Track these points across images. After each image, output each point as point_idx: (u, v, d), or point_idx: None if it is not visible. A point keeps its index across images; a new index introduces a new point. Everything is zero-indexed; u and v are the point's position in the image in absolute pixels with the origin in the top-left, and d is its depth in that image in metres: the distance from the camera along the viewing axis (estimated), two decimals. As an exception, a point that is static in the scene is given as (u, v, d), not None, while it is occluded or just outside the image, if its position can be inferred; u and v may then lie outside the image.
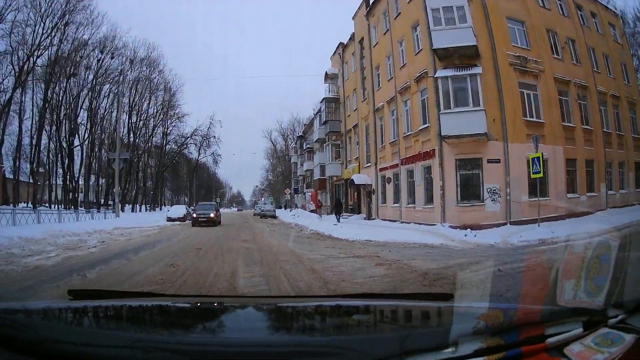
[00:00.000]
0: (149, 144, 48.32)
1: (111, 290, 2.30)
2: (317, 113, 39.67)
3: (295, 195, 59.42)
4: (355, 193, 28.86)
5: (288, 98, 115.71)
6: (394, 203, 21.94)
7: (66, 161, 37.34)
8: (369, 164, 26.12)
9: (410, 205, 19.91)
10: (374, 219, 24.45)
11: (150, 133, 46.91)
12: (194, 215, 23.33)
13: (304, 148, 47.80)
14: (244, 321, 1.59)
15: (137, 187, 48.62)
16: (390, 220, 21.27)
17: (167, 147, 51.58)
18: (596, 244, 1.41)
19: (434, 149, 17.50)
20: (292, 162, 62.42)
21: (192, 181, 60.49)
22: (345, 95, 31.81)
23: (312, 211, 37.76)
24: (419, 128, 18.85)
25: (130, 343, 1.05)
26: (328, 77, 35.11)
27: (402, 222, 19.89)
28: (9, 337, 1.10)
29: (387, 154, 23.06)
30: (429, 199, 18.16)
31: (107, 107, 42.07)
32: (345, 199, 31.31)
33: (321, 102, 35.05)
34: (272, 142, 79.32)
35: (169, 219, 27.39)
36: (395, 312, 1.67)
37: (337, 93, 33.91)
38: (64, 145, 37.12)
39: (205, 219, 22.84)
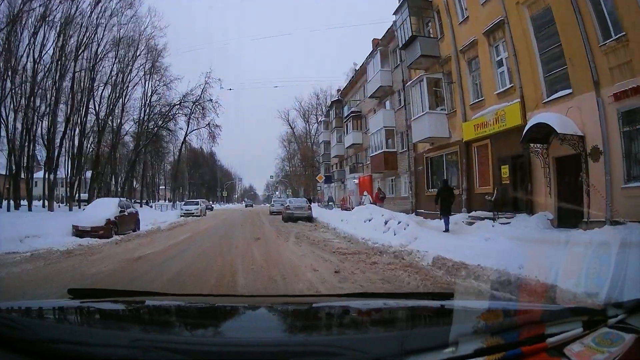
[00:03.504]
0: (119, 110, 33.94)
1: (111, 290, 2.18)
2: (375, 49, 24.91)
3: (327, 185, 44.63)
4: (507, 167, 14.02)
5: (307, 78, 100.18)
6: None
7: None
8: (565, 92, 11.42)
9: None
10: (600, 222, 9.66)
11: (117, 94, 32.31)
12: None
13: (346, 115, 33.06)
14: (244, 321, 1.57)
15: (99, 176, 34.43)
16: None
17: (150, 123, 37.20)
18: (596, 244, 1.50)
19: None
20: (320, 141, 47.49)
21: (179, 163, 45.51)
22: (450, -11, 16.91)
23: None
24: None
25: (130, 343, 1.04)
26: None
27: None
28: (9, 337, 1.08)
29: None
30: None
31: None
32: (465, 180, 16.45)
33: (399, 7, 19.63)
34: (289, 124, 65.89)
35: (77, 231, 13.28)
36: (396, 312, 1.64)
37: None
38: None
39: None
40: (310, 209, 22.94)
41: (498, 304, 1.89)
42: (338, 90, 42.11)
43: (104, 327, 1.41)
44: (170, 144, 45.49)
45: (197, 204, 32.36)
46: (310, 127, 63.28)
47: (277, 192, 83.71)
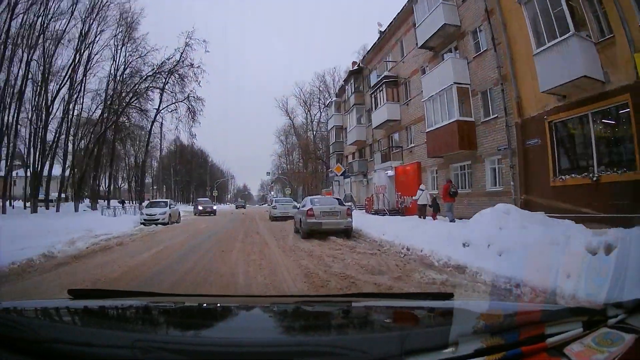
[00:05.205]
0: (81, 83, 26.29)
1: (111, 290, 2.18)
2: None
3: (342, 180, 36.53)
4: None
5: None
6: None
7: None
8: None
9: None
10: None
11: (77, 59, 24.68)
12: None
13: (374, 84, 25.09)
14: (245, 321, 1.55)
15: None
16: None
17: (119, 100, 29.40)
18: (596, 244, 1.46)
19: None
20: (331, 126, 39.26)
21: (147, 146, 36.76)
22: None
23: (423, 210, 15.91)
24: None
25: (130, 343, 1.02)
26: None
27: None
28: (9, 337, 1.07)
29: None
30: None
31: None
32: None
33: None
34: (288, 114, 58.49)
35: None
36: (396, 312, 1.62)
37: None
38: None
39: None
40: (350, 214, 12.93)
41: (498, 304, 1.85)
42: (354, 63, 34.05)
43: (104, 327, 1.37)
44: (156, 137, 37.50)
45: (164, 205, 22.18)
46: (312, 117, 56.21)
47: (272, 192, 76.50)
